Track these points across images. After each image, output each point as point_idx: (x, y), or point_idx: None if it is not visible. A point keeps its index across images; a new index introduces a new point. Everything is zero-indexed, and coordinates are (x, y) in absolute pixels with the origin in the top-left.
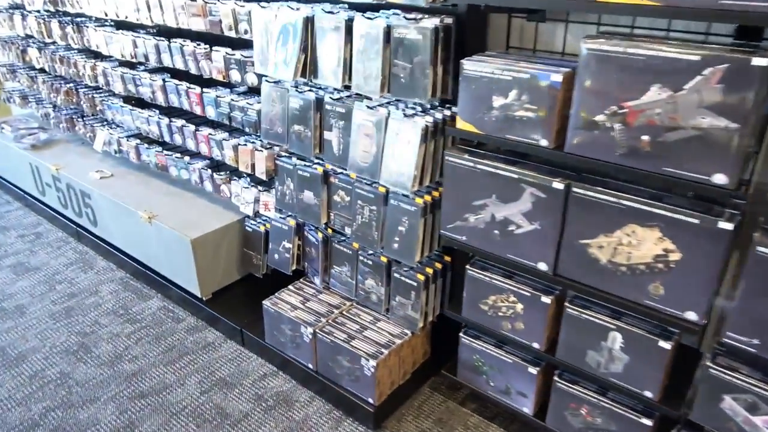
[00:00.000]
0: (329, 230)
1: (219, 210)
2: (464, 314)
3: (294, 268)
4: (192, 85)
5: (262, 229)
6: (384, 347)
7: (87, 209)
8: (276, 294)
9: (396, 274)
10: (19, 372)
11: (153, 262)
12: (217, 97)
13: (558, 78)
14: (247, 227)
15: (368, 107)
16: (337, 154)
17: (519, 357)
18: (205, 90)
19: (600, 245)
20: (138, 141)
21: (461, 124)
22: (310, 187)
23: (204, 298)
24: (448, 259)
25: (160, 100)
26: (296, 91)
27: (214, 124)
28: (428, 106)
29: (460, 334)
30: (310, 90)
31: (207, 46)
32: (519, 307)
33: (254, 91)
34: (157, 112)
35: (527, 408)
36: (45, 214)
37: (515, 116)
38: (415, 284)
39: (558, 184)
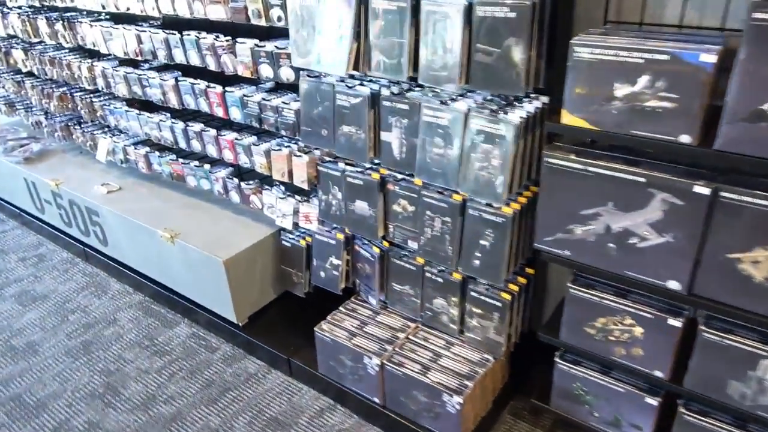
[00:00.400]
0: (385, 243)
1: (248, 223)
2: (563, 338)
3: (343, 286)
4: (212, 84)
5: (302, 243)
6: (467, 378)
7: (95, 227)
8: (328, 318)
9: (474, 293)
10: (41, 425)
11: (177, 284)
12: (244, 96)
13: (710, 58)
14: (284, 242)
15: (441, 102)
16: (398, 158)
17: (633, 386)
18: (227, 89)
19: (755, 260)
20: (148, 149)
21: (568, 118)
22: (363, 197)
23: (240, 324)
24: (531, 271)
25: (173, 102)
26: (345, 86)
27: (240, 127)
28: (515, 99)
29: (557, 360)
30: (360, 84)
31: (228, 38)
32: (638, 330)
33: (285, 87)
34: (169, 115)
35: None
36: (45, 233)
37: (645, 107)
38: (499, 304)
39: (701, 189)
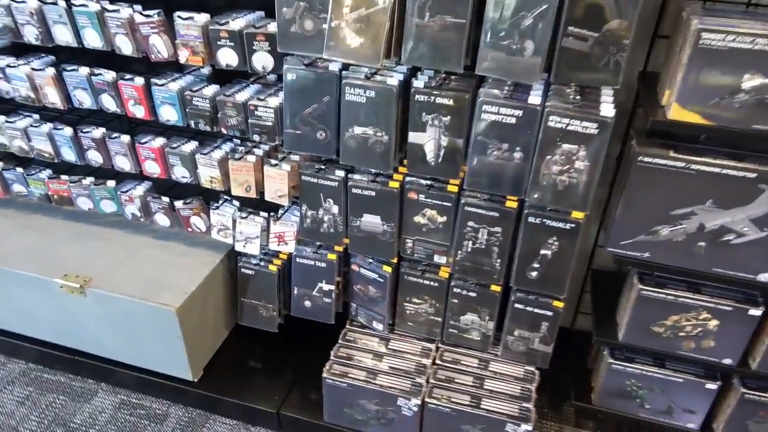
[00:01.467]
0: (394, 260)
1: (184, 251)
2: (625, 339)
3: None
4: (128, 75)
5: (271, 269)
6: (523, 399)
7: None
8: (332, 357)
9: (518, 305)
10: None
11: (88, 344)
12: (185, 91)
13: None
14: (243, 269)
15: (506, 96)
16: (432, 163)
17: (691, 374)
18: (155, 81)
19: None
20: (1, 164)
21: (678, 113)
22: (374, 210)
23: (195, 379)
24: None
25: (54, 99)
26: (359, 77)
27: (157, 130)
28: (592, 90)
29: (610, 361)
30: (376, 74)
31: (157, 11)
32: (712, 323)
33: (226, 75)
34: (37, 117)
35: (693, 424)
36: None
37: None
38: (549, 314)
39: None
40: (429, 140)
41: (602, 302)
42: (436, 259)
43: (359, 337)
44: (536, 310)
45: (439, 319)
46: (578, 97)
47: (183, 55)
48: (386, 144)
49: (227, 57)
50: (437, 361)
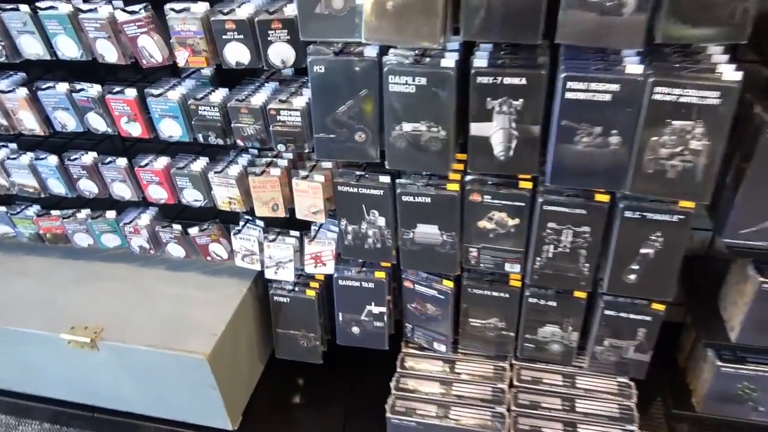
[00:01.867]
0: (457, 273)
1: (203, 283)
2: (741, 340)
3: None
4: (117, 87)
5: (309, 294)
6: (624, 421)
7: None
8: (393, 391)
9: (610, 311)
10: None
11: (110, 400)
12: (188, 100)
13: None
14: (276, 297)
15: (595, 68)
16: (501, 157)
17: None
18: (150, 91)
19: None
20: None
21: None
22: (431, 218)
23: (235, 428)
24: None
25: (30, 125)
26: (411, 62)
27: (164, 147)
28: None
29: (718, 363)
30: (424, 56)
31: (143, 5)
32: None
33: (225, 77)
34: (15, 148)
35: None
36: None
37: None
38: (648, 319)
39: None
40: (497, 131)
41: (697, 294)
42: (508, 268)
43: (419, 362)
44: (632, 316)
45: (512, 334)
46: (684, 59)
47: (182, 57)
48: (444, 140)
49: (237, 53)
50: (515, 383)
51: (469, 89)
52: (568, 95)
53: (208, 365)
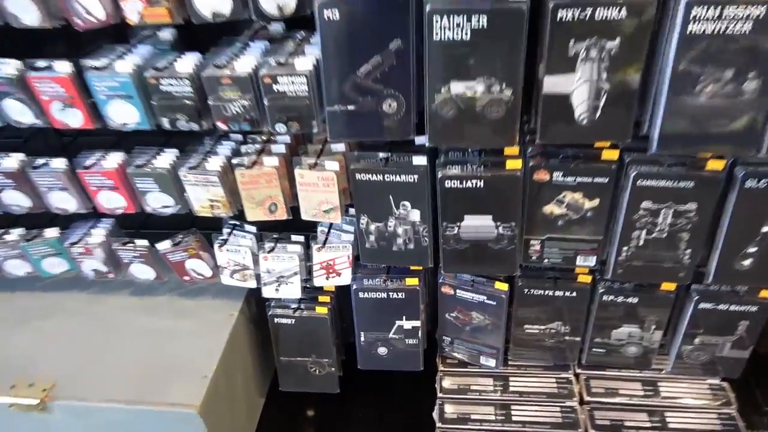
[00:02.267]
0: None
1: (183, 309)
2: None
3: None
4: (42, 62)
5: (320, 312)
6: None
7: None
8: (438, 422)
9: (705, 304)
10: None
11: None
12: (145, 71)
13: None
14: (279, 320)
15: None
16: (584, 119)
17: None
18: (90, 64)
19: None
20: None
21: None
22: (483, 207)
23: None
24: None
25: None
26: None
27: (116, 139)
28: None
29: None
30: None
31: None
32: None
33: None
34: None
35: None
36: None
37: None
38: (753, 309)
39: None
40: (581, 84)
41: None
42: (580, 261)
43: (463, 382)
44: (732, 308)
45: (577, 339)
46: None
47: (132, 11)
48: (509, 103)
49: (214, 1)
50: (586, 397)
51: (544, 31)
52: (692, 27)
53: (200, 420)
